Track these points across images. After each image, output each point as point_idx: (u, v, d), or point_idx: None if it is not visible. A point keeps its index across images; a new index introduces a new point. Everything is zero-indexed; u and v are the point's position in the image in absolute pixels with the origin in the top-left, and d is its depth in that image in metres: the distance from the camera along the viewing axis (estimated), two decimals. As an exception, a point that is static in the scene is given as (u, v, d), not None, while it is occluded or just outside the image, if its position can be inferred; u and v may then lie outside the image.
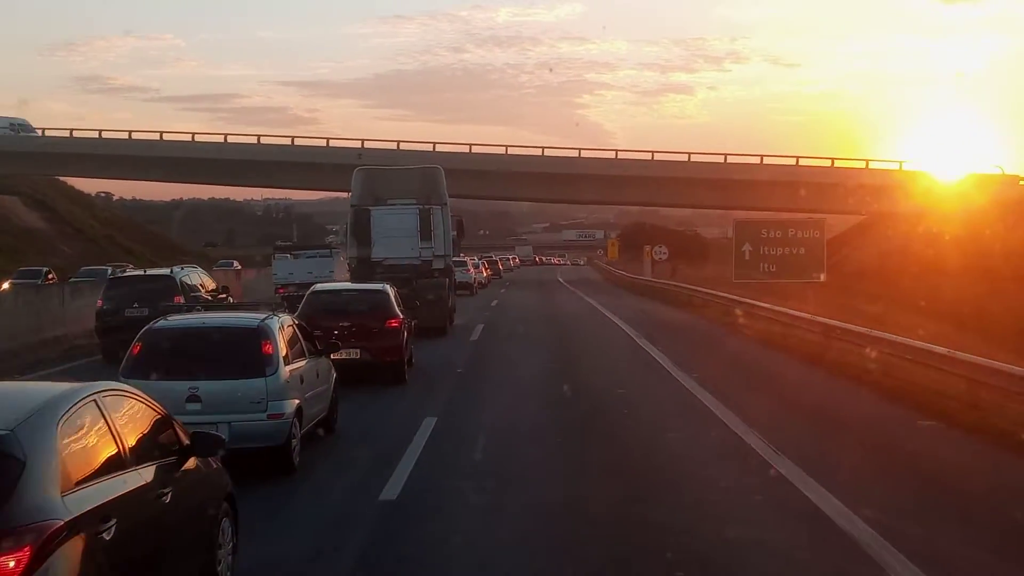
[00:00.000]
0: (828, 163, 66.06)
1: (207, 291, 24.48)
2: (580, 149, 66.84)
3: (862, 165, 66.15)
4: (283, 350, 11.98)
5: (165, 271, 24.58)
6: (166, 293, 22.50)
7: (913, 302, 30.29)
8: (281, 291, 35.11)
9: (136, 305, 22.02)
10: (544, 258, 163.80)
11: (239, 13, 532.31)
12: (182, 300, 22.35)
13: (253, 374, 11.43)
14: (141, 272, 25.87)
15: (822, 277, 33.97)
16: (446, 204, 28.37)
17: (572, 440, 13.01)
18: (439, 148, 65.39)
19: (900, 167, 65.29)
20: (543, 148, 66.58)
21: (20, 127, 67.51)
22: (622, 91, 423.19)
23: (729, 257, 34.88)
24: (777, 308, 25.74)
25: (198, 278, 24.92)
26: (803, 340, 22.27)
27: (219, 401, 11.16)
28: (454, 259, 62.65)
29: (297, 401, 11.77)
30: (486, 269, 65.93)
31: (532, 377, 18.65)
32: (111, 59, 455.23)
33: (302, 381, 12.30)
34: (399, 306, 19.51)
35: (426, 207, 27.59)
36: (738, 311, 29.62)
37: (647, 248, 58.09)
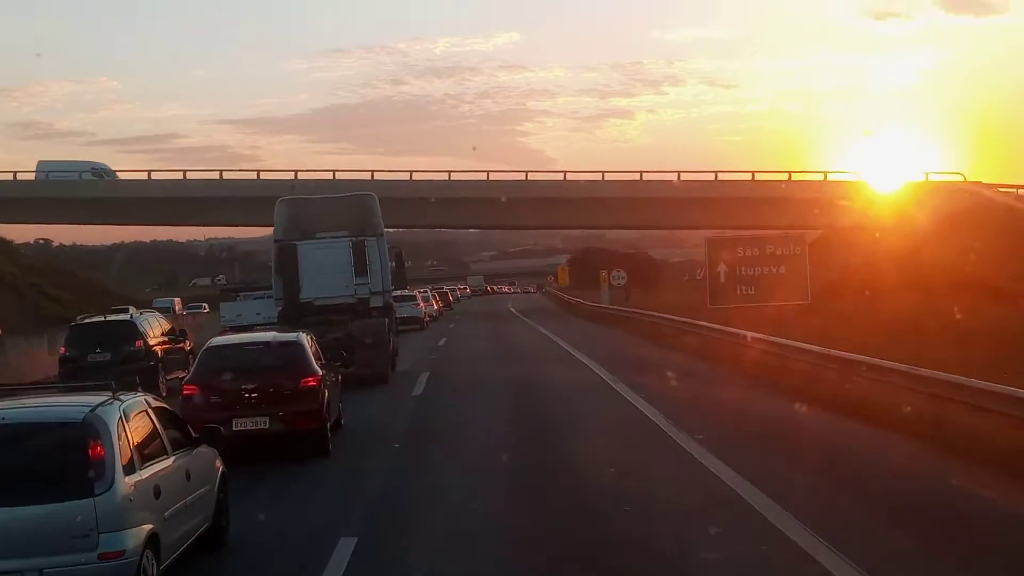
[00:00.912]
0: (785, 176, 62.67)
1: (160, 335, 24.65)
2: (527, 171, 62.88)
3: (820, 177, 62.84)
4: (126, 452, 8.12)
5: (125, 316, 24.51)
6: (128, 338, 23.23)
7: (904, 324, 26.48)
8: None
9: (99, 351, 22.78)
10: (495, 287, 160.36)
11: (175, 53, 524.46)
12: (142, 344, 23.24)
13: (74, 494, 7.75)
14: (102, 318, 25.08)
15: (807, 298, 30.13)
16: (382, 235, 25.34)
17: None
18: (378, 176, 61.00)
19: (858, 178, 62.15)
20: (488, 172, 62.50)
21: (103, 172, 62.16)
22: (562, 117, 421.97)
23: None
24: (771, 339, 21.56)
25: (156, 322, 25.35)
26: (810, 377, 18.17)
27: (18, 539, 7.58)
28: (398, 294, 59.24)
29: (149, 527, 8.10)
30: (437, 301, 62.96)
31: (491, 454, 14.05)
32: (47, 104, 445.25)
33: (159, 494, 8.40)
34: (319, 359, 15.78)
35: (360, 239, 24.59)
36: (720, 341, 25.43)
37: (603, 273, 54.00)
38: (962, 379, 13.06)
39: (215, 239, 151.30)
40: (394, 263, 27.54)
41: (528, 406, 19.12)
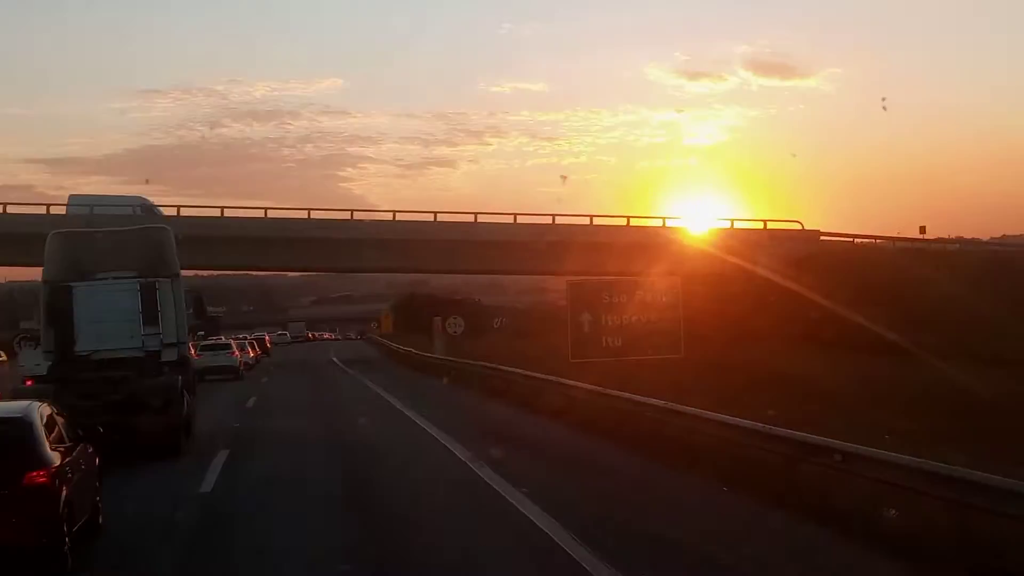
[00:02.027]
0: (623, 221, 59.37)
1: None
2: (352, 210, 57.47)
3: (659, 223, 59.80)
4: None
5: None
6: None
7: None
8: (30, 383, 26.65)
9: None
10: (316, 334, 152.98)
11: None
12: None
13: None
14: None
15: (680, 352, 25.88)
16: (178, 275, 21.44)
17: None
18: (185, 212, 54.50)
19: (695, 225, 59.56)
20: (309, 210, 56.66)
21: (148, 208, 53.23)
22: (385, 164, 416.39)
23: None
24: (654, 402, 16.83)
25: None
26: (693, 442, 13.60)
27: None
28: (210, 342, 52.77)
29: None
30: (254, 349, 59.49)
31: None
32: None
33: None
34: (63, 441, 11.03)
35: (150, 280, 20.67)
36: (588, 401, 20.56)
37: (437, 320, 48.80)
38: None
39: (15, 282, 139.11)
40: (192, 309, 22.89)
41: (362, 508, 13.41)
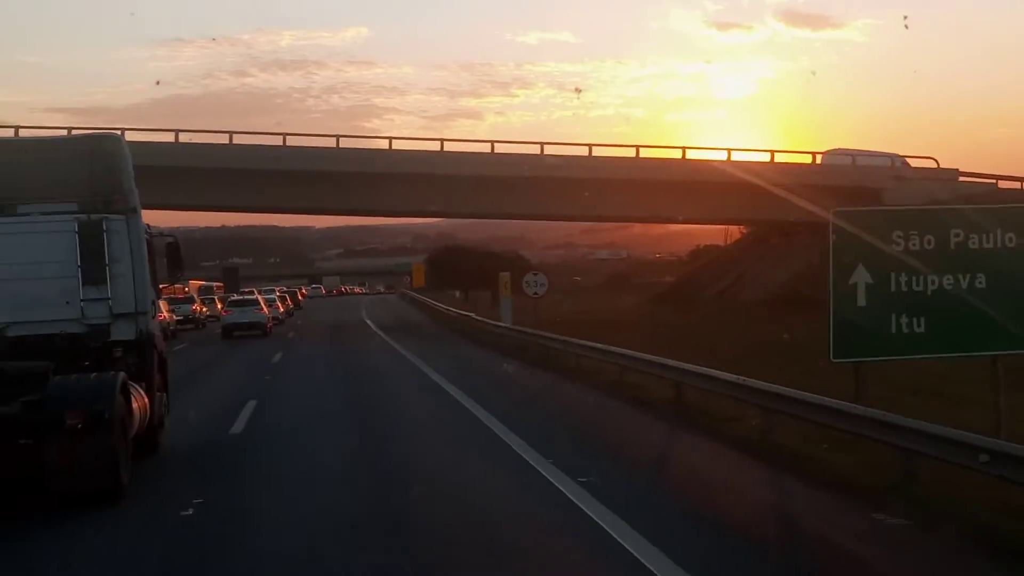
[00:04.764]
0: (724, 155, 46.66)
1: None
2: (391, 138, 45.05)
3: (766, 156, 47.03)
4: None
5: None
6: None
7: None
8: None
9: None
10: (346, 287, 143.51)
11: (3, 38, 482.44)
12: None
13: None
14: None
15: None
16: (136, 211, 13.18)
17: None
18: (184, 138, 42.07)
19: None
20: (337, 137, 44.01)
21: None
22: (411, 115, 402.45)
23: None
24: None
25: None
26: None
27: None
28: (236, 298, 41.73)
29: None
30: (282, 305, 57.40)
31: None
32: None
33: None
34: None
35: (95, 218, 12.78)
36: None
37: (503, 276, 36.33)
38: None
39: None
40: (165, 262, 14.85)
41: None
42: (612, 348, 20.17)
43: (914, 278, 13.19)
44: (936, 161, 49.12)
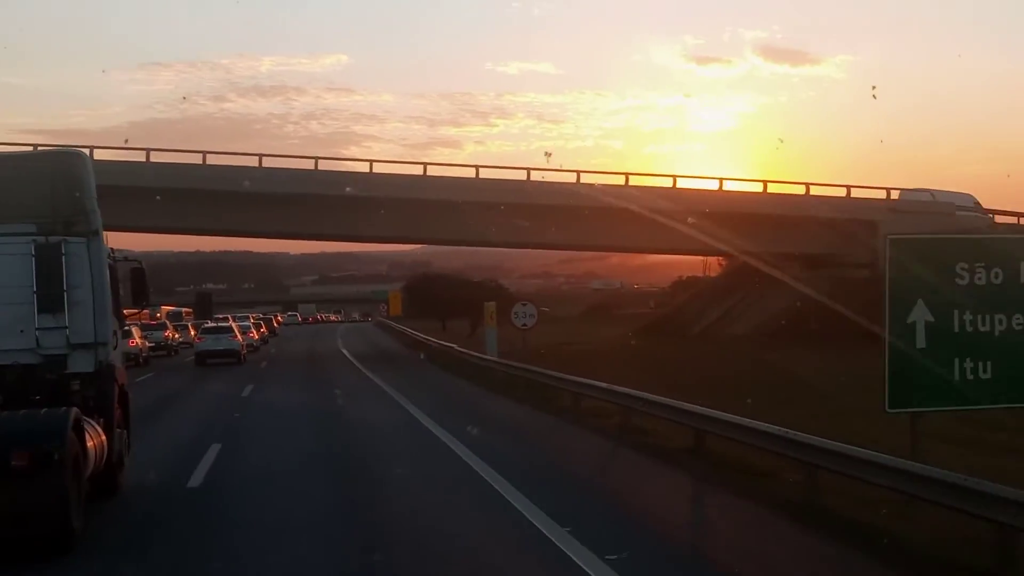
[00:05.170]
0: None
1: None
2: (372, 161, 43.24)
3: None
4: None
5: None
6: None
7: None
8: None
9: None
10: (322, 315, 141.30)
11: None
12: None
13: None
14: None
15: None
16: (98, 233, 12.11)
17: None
18: (155, 158, 40.13)
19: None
20: (315, 159, 42.10)
21: None
22: (390, 143, 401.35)
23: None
24: None
25: None
26: None
27: None
28: (209, 325, 39.90)
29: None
30: (257, 332, 56.82)
31: None
32: None
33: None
34: None
35: (54, 241, 11.79)
36: None
37: (489, 306, 34.42)
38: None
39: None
40: (127, 287, 13.76)
41: None
42: (617, 388, 18.34)
43: (980, 317, 11.54)
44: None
